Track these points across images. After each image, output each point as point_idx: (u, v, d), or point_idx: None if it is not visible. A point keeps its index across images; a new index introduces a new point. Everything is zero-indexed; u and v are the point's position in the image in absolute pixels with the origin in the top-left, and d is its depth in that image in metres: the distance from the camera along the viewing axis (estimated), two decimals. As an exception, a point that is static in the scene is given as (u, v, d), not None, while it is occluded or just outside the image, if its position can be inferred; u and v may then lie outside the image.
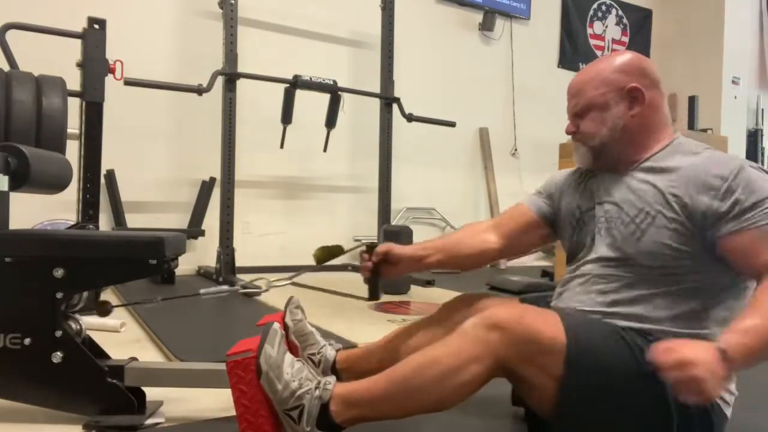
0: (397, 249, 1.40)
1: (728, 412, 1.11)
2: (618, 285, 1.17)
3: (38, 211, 3.36)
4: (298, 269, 1.56)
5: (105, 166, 3.08)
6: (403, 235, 3.57)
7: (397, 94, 4.36)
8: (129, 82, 3.17)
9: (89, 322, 1.45)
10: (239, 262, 3.82)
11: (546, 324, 1.08)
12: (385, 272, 1.41)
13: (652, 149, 1.23)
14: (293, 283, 1.48)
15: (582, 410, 1.05)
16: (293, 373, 1.12)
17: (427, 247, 1.44)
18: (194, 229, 4.20)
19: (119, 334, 2.25)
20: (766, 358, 0.97)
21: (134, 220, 4.03)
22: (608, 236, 1.21)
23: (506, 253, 1.49)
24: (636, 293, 1.15)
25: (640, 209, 1.16)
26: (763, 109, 7.16)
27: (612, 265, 1.19)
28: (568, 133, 1.30)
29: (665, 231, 1.12)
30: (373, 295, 1.32)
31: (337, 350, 1.44)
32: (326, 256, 1.50)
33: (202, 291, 1.45)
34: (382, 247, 1.40)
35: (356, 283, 1.31)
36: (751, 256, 1.06)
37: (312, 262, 1.58)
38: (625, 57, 1.25)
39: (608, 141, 1.22)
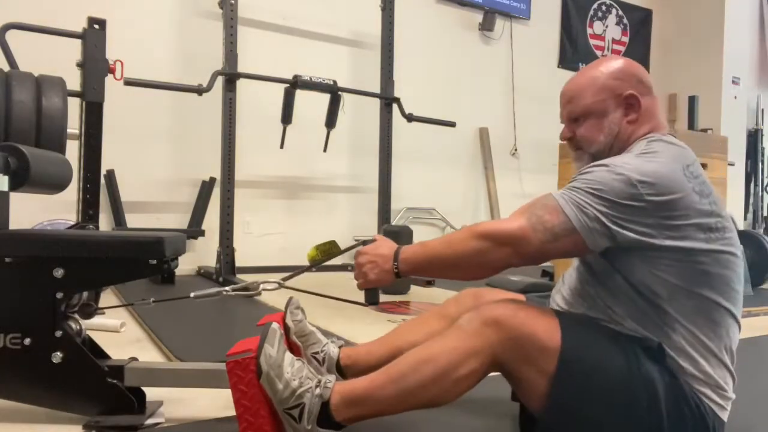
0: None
1: (724, 416, 1.10)
2: (591, 289, 1.18)
3: (38, 211, 3.36)
4: (295, 270, 1.54)
5: (105, 166, 3.08)
6: (403, 235, 3.58)
7: (397, 94, 4.36)
8: (129, 82, 3.17)
9: (89, 322, 1.45)
10: (239, 262, 3.82)
11: (542, 322, 1.09)
12: None
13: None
14: (285, 287, 1.47)
15: (572, 410, 1.06)
16: (293, 372, 1.12)
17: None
18: (194, 229, 4.20)
19: (119, 334, 2.25)
20: (430, 271, 1.20)
21: (134, 220, 4.03)
22: None
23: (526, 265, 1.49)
24: (604, 299, 1.15)
25: None
26: (763, 109, 7.16)
27: (586, 270, 1.21)
28: (563, 139, 1.31)
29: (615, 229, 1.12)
30: (371, 300, 1.30)
31: (340, 347, 1.44)
32: (321, 256, 1.48)
33: (192, 294, 1.44)
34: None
35: (354, 284, 1.31)
36: None
37: (306, 261, 1.57)
38: (619, 63, 1.25)
39: (604, 147, 1.23)
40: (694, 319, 1.07)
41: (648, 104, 1.22)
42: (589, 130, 1.24)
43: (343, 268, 4.71)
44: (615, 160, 1.11)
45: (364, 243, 1.23)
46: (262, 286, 1.47)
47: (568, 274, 1.31)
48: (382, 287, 1.30)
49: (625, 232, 1.04)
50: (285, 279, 1.47)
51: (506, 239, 1.08)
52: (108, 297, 3.02)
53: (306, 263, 1.58)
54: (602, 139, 1.22)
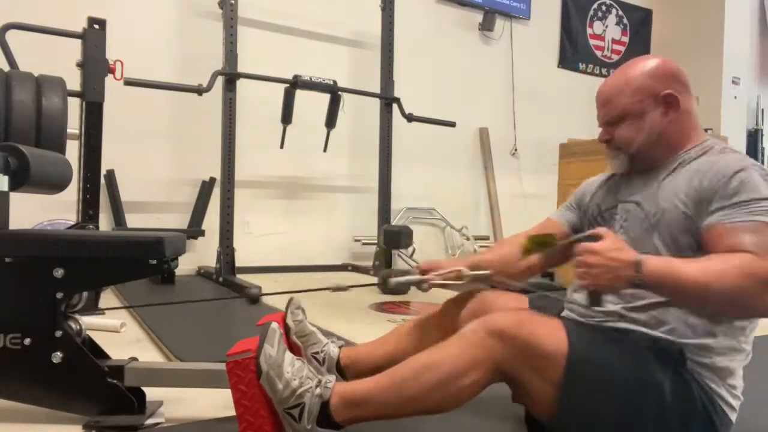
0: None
1: (733, 417, 1.11)
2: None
3: (38, 211, 3.36)
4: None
5: (105, 166, 3.08)
6: (403, 234, 3.57)
7: (397, 94, 4.36)
8: (129, 82, 3.17)
9: (89, 322, 1.45)
10: (239, 262, 3.82)
11: (547, 331, 1.08)
12: None
13: (684, 150, 1.23)
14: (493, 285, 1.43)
15: (581, 417, 1.06)
16: (294, 372, 1.12)
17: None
18: (194, 229, 4.20)
19: (119, 334, 2.25)
20: (672, 294, 1.05)
21: (134, 220, 4.03)
22: (624, 235, 1.21)
23: (542, 268, 1.47)
24: (647, 300, 1.13)
25: (657, 206, 1.17)
26: (763, 109, 7.16)
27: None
28: (601, 141, 1.29)
29: (674, 224, 1.13)
30: (595, 303, 1.14)
31: (340, 347, 1.44)
32: (535, 248, 1.36)
33: (392, 280, 1.39)
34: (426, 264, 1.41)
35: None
36: (715, 245, 1.06)
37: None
38: (655, 62, 1.24)
39: (644, 147, 1.22)
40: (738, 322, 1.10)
41: (686, 103, 1.22)
42: (628, 130, 1.23)
43: (343, 268, 4.72)
44: (743, 162, 1.11)
45: (587, 238, 1.11)
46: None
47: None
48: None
49: None
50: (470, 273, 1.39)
51: None
52: (108, 297, 3.01)
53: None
54: (642, 139, 1.22)
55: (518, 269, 1.39)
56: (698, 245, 1.11)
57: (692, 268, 1.01)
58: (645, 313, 1.13)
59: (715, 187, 1.09)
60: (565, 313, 1.30)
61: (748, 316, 1.09)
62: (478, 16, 5.72)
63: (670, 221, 1.13)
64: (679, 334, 1.10)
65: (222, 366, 1.20)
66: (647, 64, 1.24)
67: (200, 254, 4.21)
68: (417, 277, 1.39)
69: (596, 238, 1.07)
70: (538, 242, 1.29)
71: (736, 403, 1.11)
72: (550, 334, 1.08)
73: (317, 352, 1.40)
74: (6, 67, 2.28)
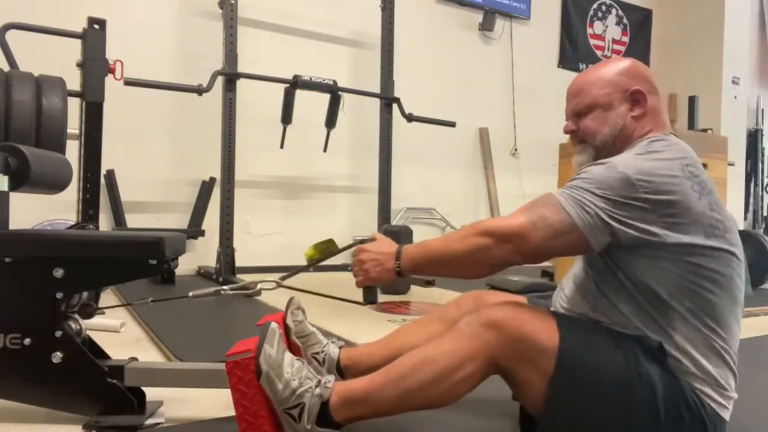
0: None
1: (726, 415, 1.10)
2: (595, 288, 1.18)
3: (38, 211, 3.36)
4: (293, 269, 1.54)
5: (105, 166, 3.08)
6: (403, 235, 3.58)
7: (397, 94, 4.36)
8: (129, 82, 3.17)
9: (89, 322, 1.45)
10: (239, 262, 3.82)
11: (541, 323, 1.09)
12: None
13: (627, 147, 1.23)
14: (283, 286, 1.46)
15: (571, 411, 1.06)
16: (293, 372, 1.12)
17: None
18: (194, 229, 4.20)
19: (119, 334, 2.25)
20: (432, 271, 1.23)
21: (134, 220, 4.03)
22: None
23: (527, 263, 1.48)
24: (608, 298, 1.15)
25: None
26: (763, 109, 7.16)
27: (589, 269, 1.21)
28: (567, 131, 1.30)
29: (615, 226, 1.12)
30: (370, 299, 1.30)
31: (340, 347, 1.44)
32: (319, 255, 1.48)
33: (190, 293, 1.44)
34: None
35: (353, 284, 1.31)
36: None
37: (304, 261, 1.57)
38: (626, 62, 1.26)
39: (608, 140, 1.23)
40: (696, 318, 1.08)
41: (653, 103, 1.23)
42: (594, 121, 1.24)
43: (342, 267, 4.72)
44: (614, 159, 1.12)
45: (363, 241, 1.24)
46: (260, 285, 1.46)
47: (569, 276, 1.31)
48: (382, 287, 1.31)
49: (625, 229, 1.05)
50: (283, 278, 1.47)
51: (507, 236, 1.09)
52: (108, 297, 3.02)
53: (304, 262, 1.58)
54: (606, 130, 1.23)
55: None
56: (615, 240, 1.09)
57: (439, 240, 1.18)
58: (607, 315, 1.14)
59: None
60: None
61: (489, 269, 1.15)
62: (478, 16, 5.73)
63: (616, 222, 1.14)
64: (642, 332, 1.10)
65: (222, 366, 1.20)
66: (619, 63, 1.26)
67: (200, 254, 4.21)
68: (214, 288, 1.47)
69: (370, 240, 1.24)
70: (321, 249, 1.41)
71: (727, 402, 1.10)
72: (543, 328, 1.08)
73: (317, 353, 1.40)
74: (6, 67, 2.28)
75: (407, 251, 1.20)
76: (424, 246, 1.19)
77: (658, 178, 1.05)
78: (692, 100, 4.56)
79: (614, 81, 1.23)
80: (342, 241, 4.93)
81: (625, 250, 1.08)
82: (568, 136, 1.30)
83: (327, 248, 1.45)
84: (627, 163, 1.08)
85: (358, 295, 1.32)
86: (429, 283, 3.78)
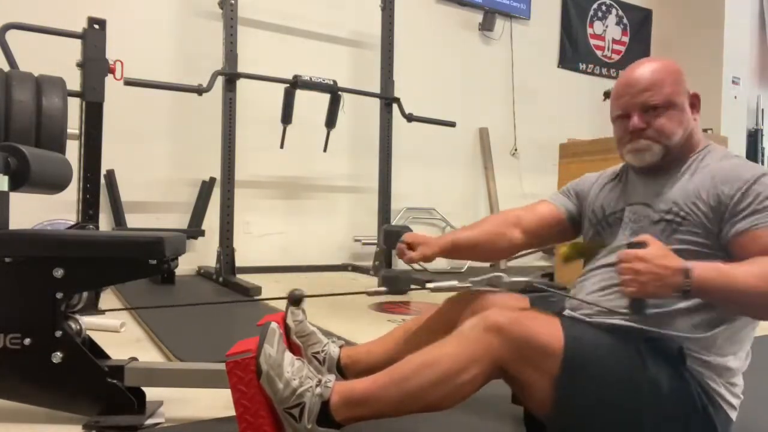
0: (430, 246, 1.45)
1: (733, 415, 1.11)
2: None
3: (38, 211, 3.36)
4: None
5: (105, 166, 3.08)
6: (403, 235, 3.57)
7: (397, 94, 4.36)
8: (129, 82, 3.17)
9: (89, 322, 1.45)
10: (239, 262, 3.82)
11: (544, 326, 1.09)
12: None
13: (695, 152, 1.24)
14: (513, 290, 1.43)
15: (578, 411, 1.06)
16: (293, 372, 1.12)
17: (459, 245, 1.46)
18: (194, 229, 4.20)
19: (119, 334, 2.25)
20: (721, 300, 1.07)
21: (134, 220, 4.03)
22: (635, 235, 1.20)
23: (527, 248, 1.50)
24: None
25: (670, 207, 1.17)
26: (763, 109, 7.16)
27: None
28: (635, 128, 1.22)
29: (695, 229, 1.14)
30: (636, 310, 1.13)
31: (341, 347, 1.44)
32: (575, 254, 1.35)
33: (431, 285, 1.40)
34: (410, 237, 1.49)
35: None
36: (748, 249, 1.08)
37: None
38: (675, 64, 1.26)
39: (680, 142, 1.22)
40: (735, 317, 1.10)
41: None
42: (671, 121, 1.20)
43: (343, 268, 4.72)
44: (754, 172, 1.12)
45: (631, 245, 1.10)
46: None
47: (594, 272, 1.28)
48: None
49: None
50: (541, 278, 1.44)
51: None
52: (108, 297, 3.01)
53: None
54: (681, 132, 1.21)
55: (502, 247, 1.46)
56: (714, 246, 1.12)
57: (743, 273, 1.02)
58: (657, 307, 1.13)
59: (737, 193, 1.10)
60: (566, 312, 1.30)
61: None
62: (478, 16, 5.72)
63: (689, 221, 1.14)
64: (680, 332, 1.11)
65: (222, 366, 1.20)
66: (671, 63, 1.25)
67: (200, 254, 4.21)
68: (455, 282, 1.39)
69: (641, 245, 1.06)
70: (580, 251, 1.29)
71: (736, 402, 1.11)
72: (548, 330, 1.08)
73: (318, 352, 1.40)
74: (6, 67, 2.28)
75: (700, 272, 1.03)
76: (724, 272, 1.05)
77: None
78: (692, 100, 4.56)
79: (680, 81, 1.22)
80: (343, 242, 4.95)
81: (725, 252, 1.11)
82: (635, 132, 1.23)
83: (588, 248, 1.29)
84: (762, 170, 1.12)
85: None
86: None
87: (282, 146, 3.92)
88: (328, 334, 1.58)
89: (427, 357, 1.11)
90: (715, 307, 1.10)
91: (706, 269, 1.04)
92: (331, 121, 4.05)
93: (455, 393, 1.09)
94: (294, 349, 1.39)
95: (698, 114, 1.22)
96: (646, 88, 1.21)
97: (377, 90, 4.38)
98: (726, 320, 1.11)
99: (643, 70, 1.23)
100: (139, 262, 1.32)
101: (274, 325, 1.17)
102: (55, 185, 1.51)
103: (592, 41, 6.56)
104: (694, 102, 1.22)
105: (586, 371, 1.05)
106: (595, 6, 6.57)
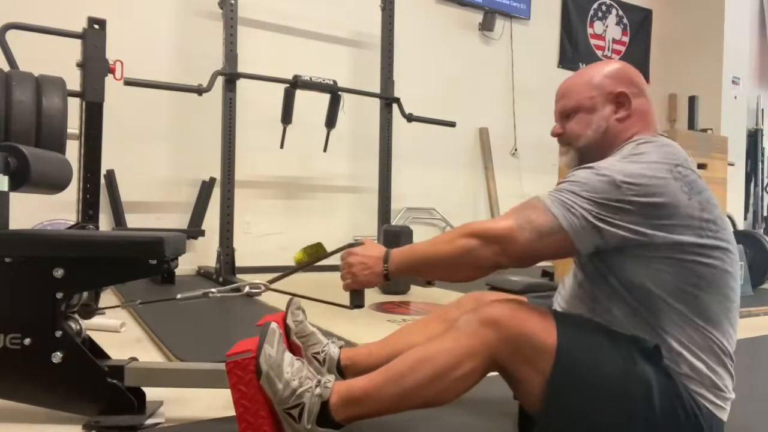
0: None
1: (723, 416, 1.10)
2: (590, 292, 1.18)
3: (38, 211, 3.36)
4: (283, 272, 1.53)
5: (105, 166, 3.08)
6: (403, 235, 3.57)
7: (397, 94, 4.36)
8: (129, 82, 3.17)
9: (89, 322, 1.45)
10: (239, 262, 3.82)
11: (539, 322, 1.09)
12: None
13: (613, 150, 1.22)
14: (271, 289, 1.45)
15: (569, 409, 1.06)
16: (293, 372, 1.12)
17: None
18: (194, 229, 4.20)
19: (119, 334, 2.25)
20: (419, 271, 1.23)
21: (134, 220, 4.03)
22: None
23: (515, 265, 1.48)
24: (602, 302, 1.15)
25: None
26: (763, 109, 7.16)
27: (581, 274, 1.21)
28: (554, 135, 1.31)
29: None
30: (356, 303, 1.31)
31: (341, 347, 1.45)
32: (307, 259, 1.49)
33: (178, 296, 1.43)
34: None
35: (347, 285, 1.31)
36: None
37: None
38: (613, 65, 1.27)
39: (591, 143, 1.23)
40: (689, 319, 1.07)
41: (639, 105, 1.23)
42: (578, 124, 1.25)
43: (335, 268, 4.71)
44: (600, 163, 1.12)
45: (351, 245, 1.25)
46: (247, 288, 1.44)
47: (566, 278, 1.32)
48: (383, 288, 1.31)
49: (612, 229, 1.05)
50: (271, 281, 1.46)
51: (493, 238, 1.09)
52: (108, 297, 3.02)
53: (293, 264, 1.59)
54: (590, 134, 1.23)
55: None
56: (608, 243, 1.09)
57: (426, 243, 1.19)
58: (603, 318, 1.14)
59: None
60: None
61: (476, 271, 1.14)
62: (478, 16, 5.73)
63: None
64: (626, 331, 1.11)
65: (222, 366, 1.20)
66: (607, 66, 1.26)
67: (200, 254, 4.21)
68: (201, 291, 1.42)
69: (358, 244, 1.24)
70: (310, 252, 1.42)
71: (724, 403, 1.10)
72: (542, 326, 1.08)
73: (318, 353, 1.41)
74: (6, 67, 2.28)
75: (395, 254, 1.21)
76: (411, 249, 1.21)
77: (645, 180, 1.05)
78: (692, 100, 4.56)
79: (599, 84, 1.23)
80: (342, 242, 4.94)
81: (615, 252, 1.08)
82: (554, 137, 1.31)
83: (316, 252, 1.45)
84: (613, 166, 1.09)
85: (346, 298, 1.33)
86: (429, 283, 3.77)
87: (282, 146, 3.92)
88: (328, 334, 1.58)
89: (422, 353, 1.11)
90: (642, 313, 1.09)
91: (400, 251, 1.21)
92: (331, 121, 4.05)
93: (452, 387, 1.09)
94: (294, 349, 1.39)
95: (626, 111, 1.21)
96: (562, 95, 1.29)
97: (377, 90, 4.38)
98: (669, 325, 1.07)
99: (566, 81, 1.30)
100: (139, 262, 1.32)
101: (274, 325, 1.17)
102: (55, 185, 1.51)
103: (593, 41, 6.57)
104: (621, 100, 1.21)
105: (578, 369, 1.05)
106: (595, 6, 6.57)
